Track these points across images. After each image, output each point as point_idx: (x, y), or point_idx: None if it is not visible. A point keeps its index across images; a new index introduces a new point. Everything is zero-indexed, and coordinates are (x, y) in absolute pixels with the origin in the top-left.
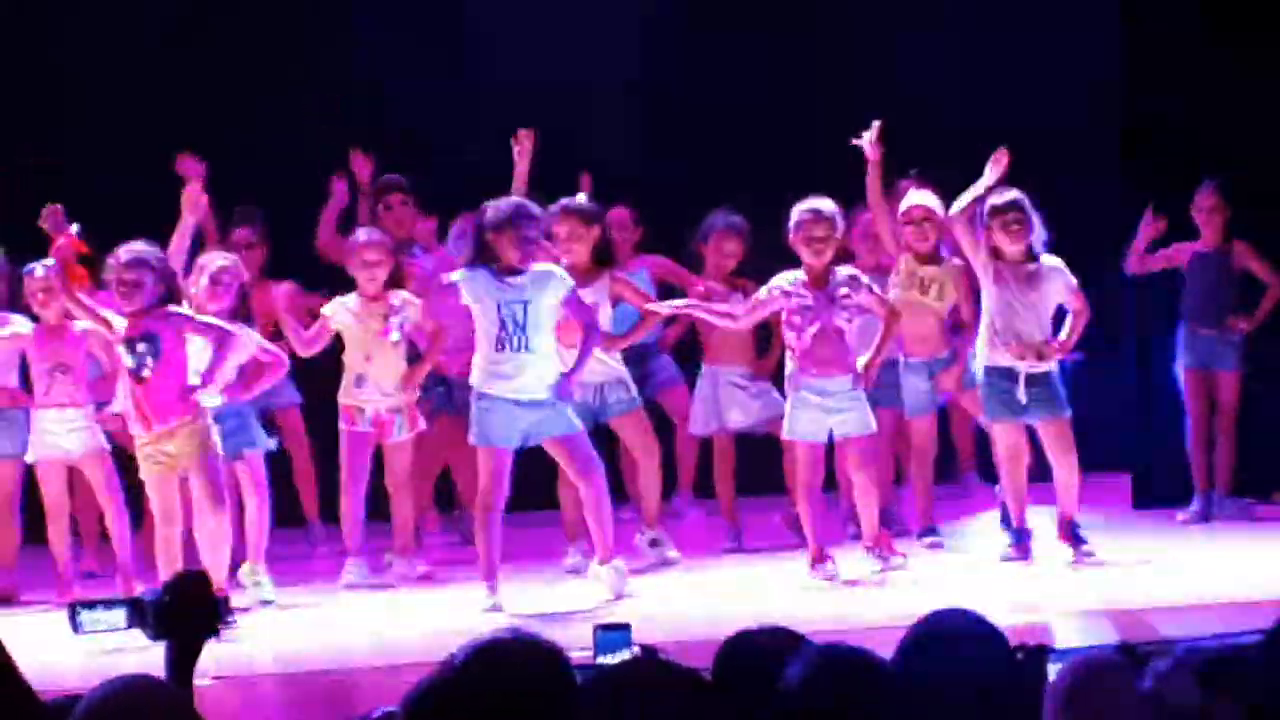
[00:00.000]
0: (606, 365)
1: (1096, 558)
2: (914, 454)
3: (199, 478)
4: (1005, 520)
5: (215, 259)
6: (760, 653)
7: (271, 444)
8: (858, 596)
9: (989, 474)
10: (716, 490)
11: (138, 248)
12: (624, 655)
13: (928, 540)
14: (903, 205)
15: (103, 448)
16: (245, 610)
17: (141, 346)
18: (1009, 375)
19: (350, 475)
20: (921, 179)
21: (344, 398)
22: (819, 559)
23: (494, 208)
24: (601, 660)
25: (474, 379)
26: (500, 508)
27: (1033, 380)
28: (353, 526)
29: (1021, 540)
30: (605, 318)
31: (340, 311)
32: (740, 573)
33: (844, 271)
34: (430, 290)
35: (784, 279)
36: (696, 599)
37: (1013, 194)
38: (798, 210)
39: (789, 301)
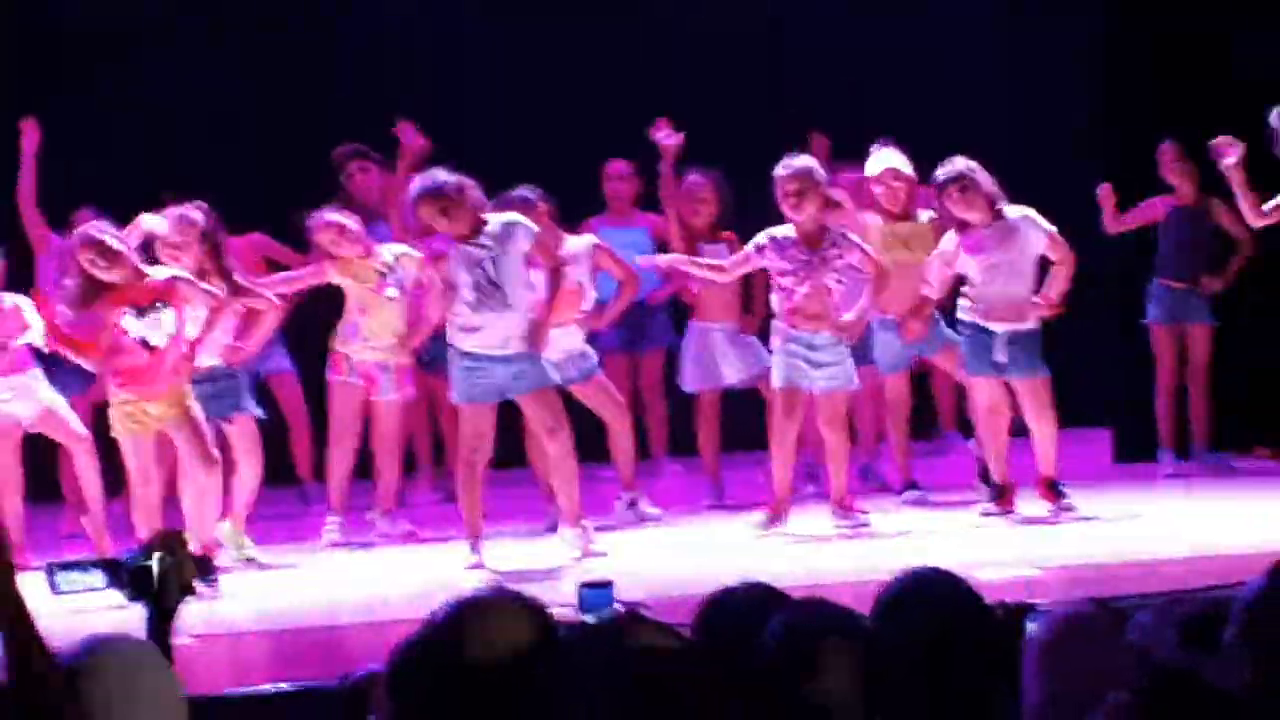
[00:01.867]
0: (568, 338)
1: (1076, 513)
2: (889, 410)
3: (187, 436)
4: (983, 476)
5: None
6: (741, 610)
7: (259, 412)
8: (839, 552)
9: (969, 430)
10: (700, 446)
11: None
12: (607, 612)
13: (911, 495)
14: (870, 166)
15: (50, 406)
16: (228, 570)
17: (152, 314)
18: (988, 332)
19: (338, 430)
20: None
21: (336, 344)
22: (780, 513)
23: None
24: (585, 617)
25: (450, 336)
26: (482, 465)
27: (1012, 339)
28: (337, 484)
29: (1003, 496)
30: (587, 285)
31: (339, 265)
32: (723, 529)
33: (835, 230)
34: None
35: (772, 232)
36: (679, 556)
37: (949, 166)
38: (777, 168)
39: (778, 257)
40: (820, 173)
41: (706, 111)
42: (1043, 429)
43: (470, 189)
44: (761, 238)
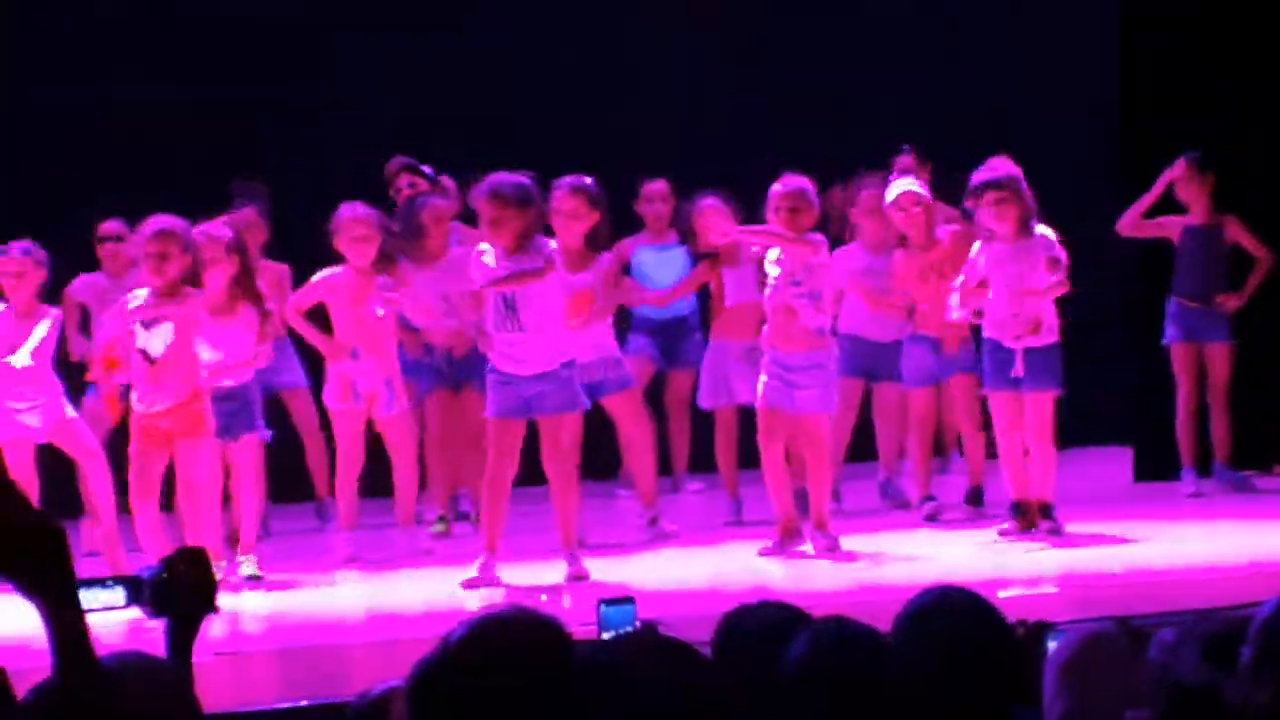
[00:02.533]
0: (601, 344)
1: (1061, 536)
2: (914, 426)
3: (193, 457)
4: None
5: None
6: (759, 628)
7: (268, 435)
8: (857, 570)
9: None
10: (719, 464)
11: (165, 221)
12: (628, 629)
13: (929, 507)
14: (890, 193)
15: (67, 419)
16: (235, 590)
17: (156, 328)
18: (1007, 348)
19: (346, 454)
20: (915, 155)
21: (333, 366)
22: (791, 534)
23: None
24: (606, 635)
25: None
26: (507, 481)
27: (1030, 353)
28: (348, 504)
29: (1024, 515)
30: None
31: (329, 283)
32: (741, 548)
33: (774, 253)
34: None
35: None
36: (698, 573)
37: (991, 170)
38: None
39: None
40: (813, 194)
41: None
42: (1045, 449)
43: (538, 211)
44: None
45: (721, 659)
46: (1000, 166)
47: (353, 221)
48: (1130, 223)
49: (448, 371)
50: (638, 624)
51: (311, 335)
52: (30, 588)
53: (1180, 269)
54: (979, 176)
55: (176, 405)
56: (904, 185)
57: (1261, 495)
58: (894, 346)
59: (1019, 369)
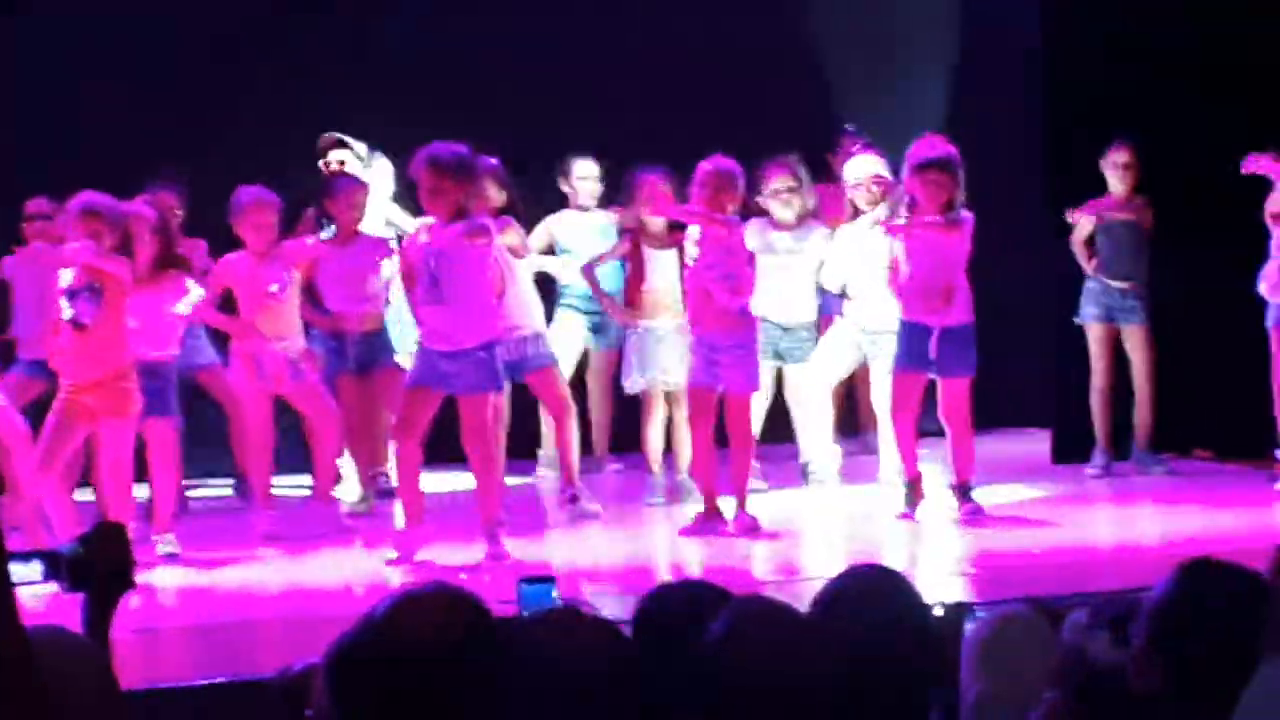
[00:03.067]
0: (529, 319)
1: (984, 514)
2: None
3: (118, 436)
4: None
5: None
6: (681, 606)
7: (178, 417)
8: (783, 549)
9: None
10: (644, 444)
11: (92, 198)
12: (548, 607)
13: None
14: (852, 171)
15: None
16: (151, 567)
17: (83, 296)
18: (925, 330)
19: (256, 432)
20: (856, 137)
21: (244, 346)
22: (713, 514)
23: None
24: (525, 614)
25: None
26: (414, 452)
27: (946, 336)
28: (262, 481)
29: (914, 493)
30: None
31: (230, 268)
32: (663, 527)
33: (695, 232)
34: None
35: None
36: (618, 553)
37: (940, 150)
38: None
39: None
40: (739, 177)
41: (659, 108)
42: (959, 430)
43: (476, 182)
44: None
45: (643, 637)
46: (939, 145)
47: (254, 206)
48: (1077, 241)
49: (353, 354)
50: (558, 603)
51: (217, 320)
52: None
53: (1103, 248)
54: (921, 152)
55: (106, 377)
56: (872, 165)
57: (1178, 478)
58: (803, 328)
59: (934, 350)
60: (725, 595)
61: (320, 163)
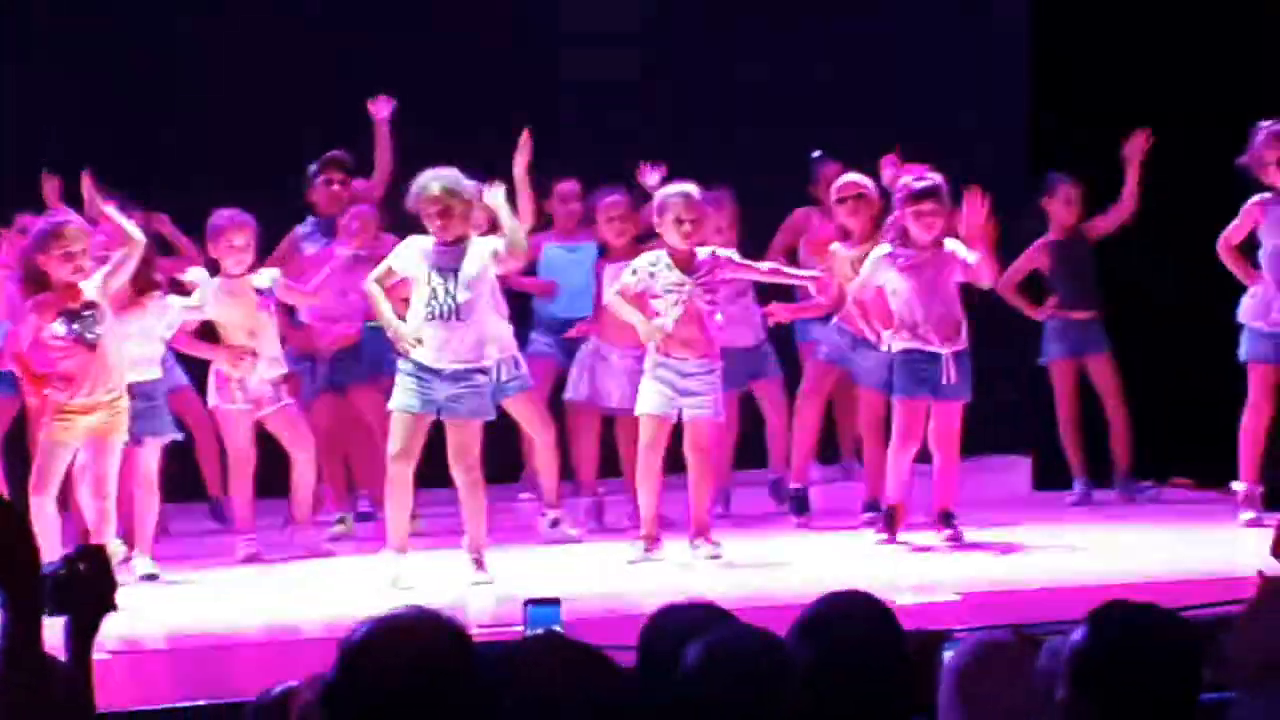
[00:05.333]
0: (504, 343)
1: (964, 541)
2: (871, 427)
3: (106, 459)
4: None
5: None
6: (681, 629)
7: (178, 435)
8: (771, 573)
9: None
10: (574, 462)
11: (74, 219)
12: (556, 629)
13: (869, 516)
14: (835, 186)
15: None
16: (130, 589)
17: (86, 315)
18: (932, 358)
19: (236, 454)
20: (827, 159)
21: (226, 369)
22: (654, 541)
23: None
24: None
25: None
26: (409, 477)
27: (957, 360)
28: (243, 504)
29: (895, 519)
30: None
31: (211, 299)
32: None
33: (703, 252)
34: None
35: (644, 260)
36: (601, 576)
37: (932, 178)
38: (666, 193)
39: (653, 283)
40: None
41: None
42: (949, 455)
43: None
44: (639, 261)
45: (646, 657)
46: (927, 174)
47: (232, 228)
48: (1008, 286)
49: (328, 373)
50: (563, 624)
51: (202, 350)
52: None
53: (1060, 284)
54: (916, 185)
55: (110, 400)
56: (852, 177)
57: (1157, 505)
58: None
59: (950, 375)
60: (726, 616)
61: (315, 182)
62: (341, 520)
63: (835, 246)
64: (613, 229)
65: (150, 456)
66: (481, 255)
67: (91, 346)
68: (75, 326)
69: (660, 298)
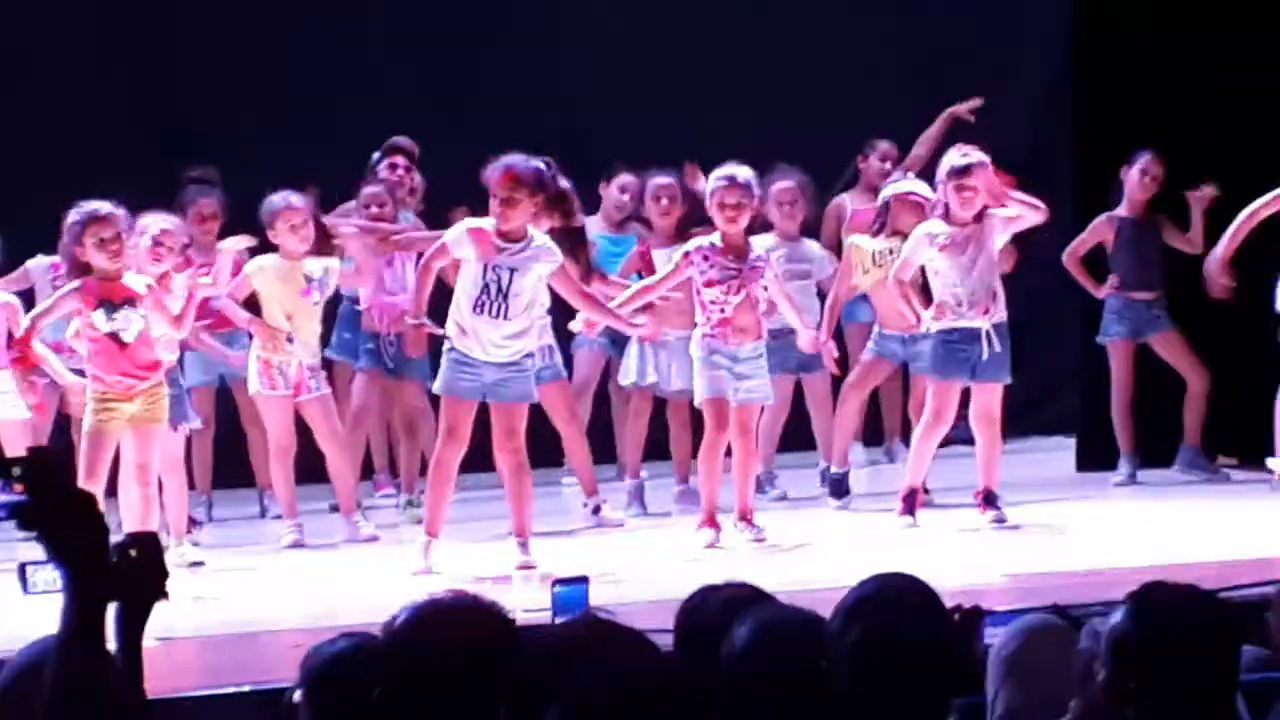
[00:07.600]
0: (542, 330)
1: (1010, 523)
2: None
3: (148, 446)
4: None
5: (159, 221)
6: (719, 610)
7: (198, 423)
8: (813, 557)
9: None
10: (620, 444)
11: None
12: (583, 609)
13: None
14: (893, 188)
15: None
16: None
17: (123, 310)
18: (972, 336)
19: (278, 441)
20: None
21: (266, 354)
22: (711, 523)
23: None
24: (559, 617)
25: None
26: (454, 463)
27: (997, 331)
28: (285, 491)
29: (912, 502)
30: None
31: (261, 271)
32: (686, 536)
33: (760, 244)
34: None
35: (699, 242)
36: (639, 561)
37: (973, 152)
38: (712, 177)
39: (705, 266)
40: (756, 188)
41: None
42: (991, 436)
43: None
44: (689, 246)
45: (685, 639)
46: (970, 151)
47: (287, 210)
48: (1072, 258)
49: (387, 355)
50: (590, 603)
51: (241, 317)
52: (66, 553)
53: (1123, 262)
54: (958, 159)
55: (150, 387)
56: (914, 186)
57: (1203, 485)
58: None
59: (990, 348)
60: (763, 596)
61: (385, 163)
62: (411, 502)
63: (856, 238)
64: (658, 209)
65: (177, 443)
66: (541, 274)
67: (123, 345)
68: (112, 322)
69: (716, 284)
